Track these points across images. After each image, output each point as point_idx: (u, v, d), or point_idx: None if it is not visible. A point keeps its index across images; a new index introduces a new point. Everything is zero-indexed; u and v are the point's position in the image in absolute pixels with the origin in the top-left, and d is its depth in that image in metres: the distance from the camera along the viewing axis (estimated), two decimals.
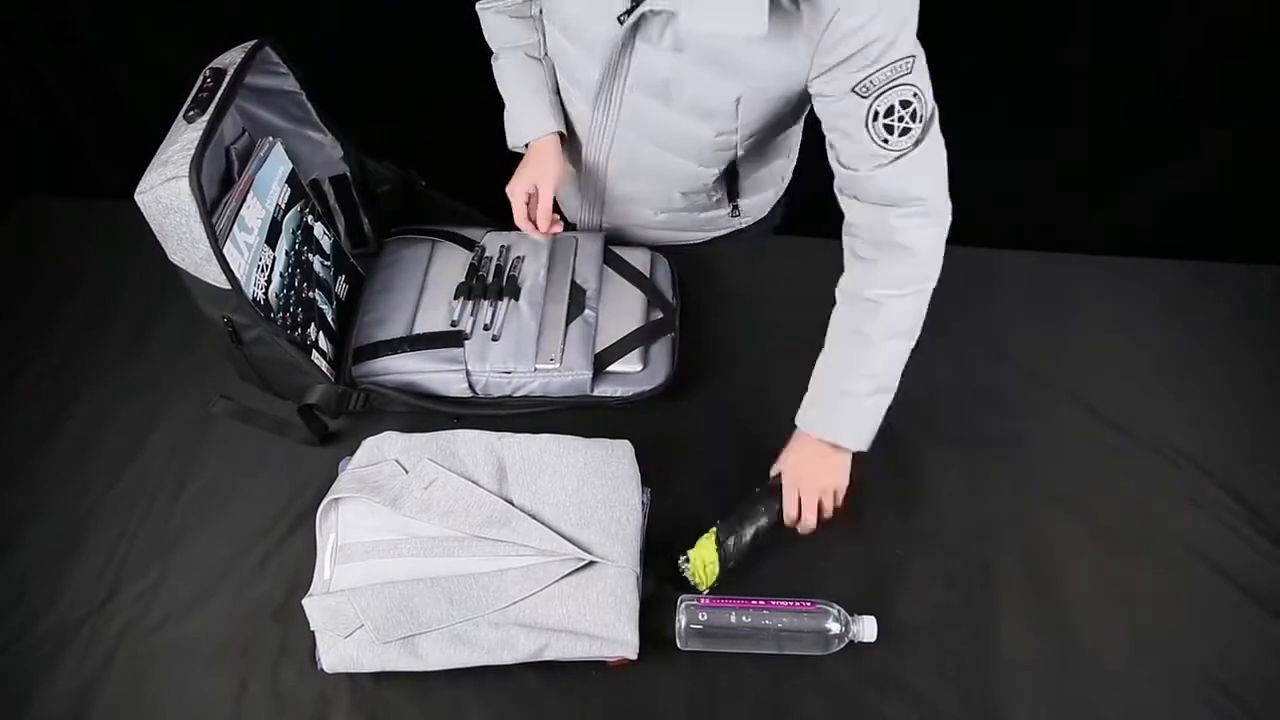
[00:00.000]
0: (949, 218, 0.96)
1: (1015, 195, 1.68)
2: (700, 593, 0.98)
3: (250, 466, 1.11)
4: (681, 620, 0.93)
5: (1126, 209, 1.68)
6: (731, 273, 1.31)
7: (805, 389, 1.18)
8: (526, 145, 1.16)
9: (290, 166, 1.13)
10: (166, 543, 1.05)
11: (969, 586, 1.01)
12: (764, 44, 0.88)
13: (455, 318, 1.17)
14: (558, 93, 1.16)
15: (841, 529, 1.04)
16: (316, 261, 1.17)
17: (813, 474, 0.99)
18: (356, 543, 0.97)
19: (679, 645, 0.94)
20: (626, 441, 1.06)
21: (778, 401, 1.17)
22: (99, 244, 1.36)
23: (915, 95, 0.89)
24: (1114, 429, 1.15)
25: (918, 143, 0.90)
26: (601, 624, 0.93)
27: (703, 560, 0.97)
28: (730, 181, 1.20)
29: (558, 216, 1.13)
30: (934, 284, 0.97)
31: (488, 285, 1.19)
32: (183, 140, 0.93)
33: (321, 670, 0.92)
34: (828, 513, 0.99)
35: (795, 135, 1.23)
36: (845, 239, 1.00)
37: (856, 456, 1.02)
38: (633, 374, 1.16)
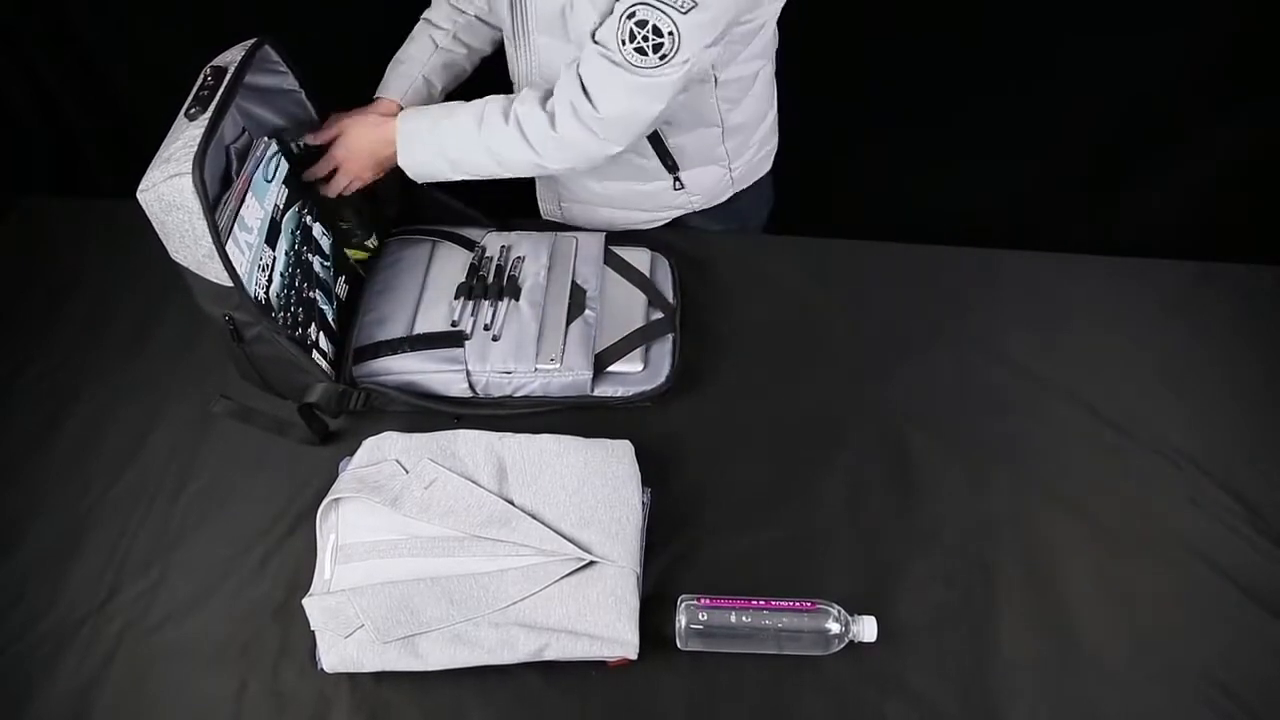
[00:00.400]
0: (609, 148, 1.06)
1: (1015, 195, 1.68)
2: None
3: (250, 466, 1.11)
4: (681, 620, 0.93)
5: (1126, 209, 1.68)
6: (731, 273, 1.31)
7: (805, 389, 1.19)
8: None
9: (287, 167, 1.13)
10: (166, 543, 1.05)
11: (969, 586, 1.01)
12: None
13: (455, 318, 1.17)
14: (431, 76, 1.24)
15: (841, 529, 1.04)
16: (316, 262, 1.17)
17: (356, 152, 1.14)
18: (356, 543, 0.97)
19: (679, 645, 0.94)
20: (626, 441, 1.06)
21: (778, 402, 1.17)
22: (99, 244, 1.36)
23: (670, 34, 0.93)
24: (1114, 429, 1.15)
25: (641, 69, 0.95)
26: (601, 624, 0.92)
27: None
28: (656, 143, 1.21)
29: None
30: (545, 165, 1.09)
31: (488, 285, 1.19)
32: (185, 137, 0.93)
33: (321, 670, 0.92)
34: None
35: (713, 107, 1.20)
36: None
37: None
38: (633, 374, 1.16)
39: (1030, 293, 1.30)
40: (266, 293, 1.05)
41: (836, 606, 0.94)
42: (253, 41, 1.04)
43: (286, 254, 1.10)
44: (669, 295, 1.24)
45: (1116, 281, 1.32)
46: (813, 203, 1.50)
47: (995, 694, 0.93)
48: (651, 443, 1.11)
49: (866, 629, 0.93)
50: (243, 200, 1.02)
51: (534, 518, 0.98)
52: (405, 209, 1.32)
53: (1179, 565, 1.03)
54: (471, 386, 1.13)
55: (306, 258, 1.15)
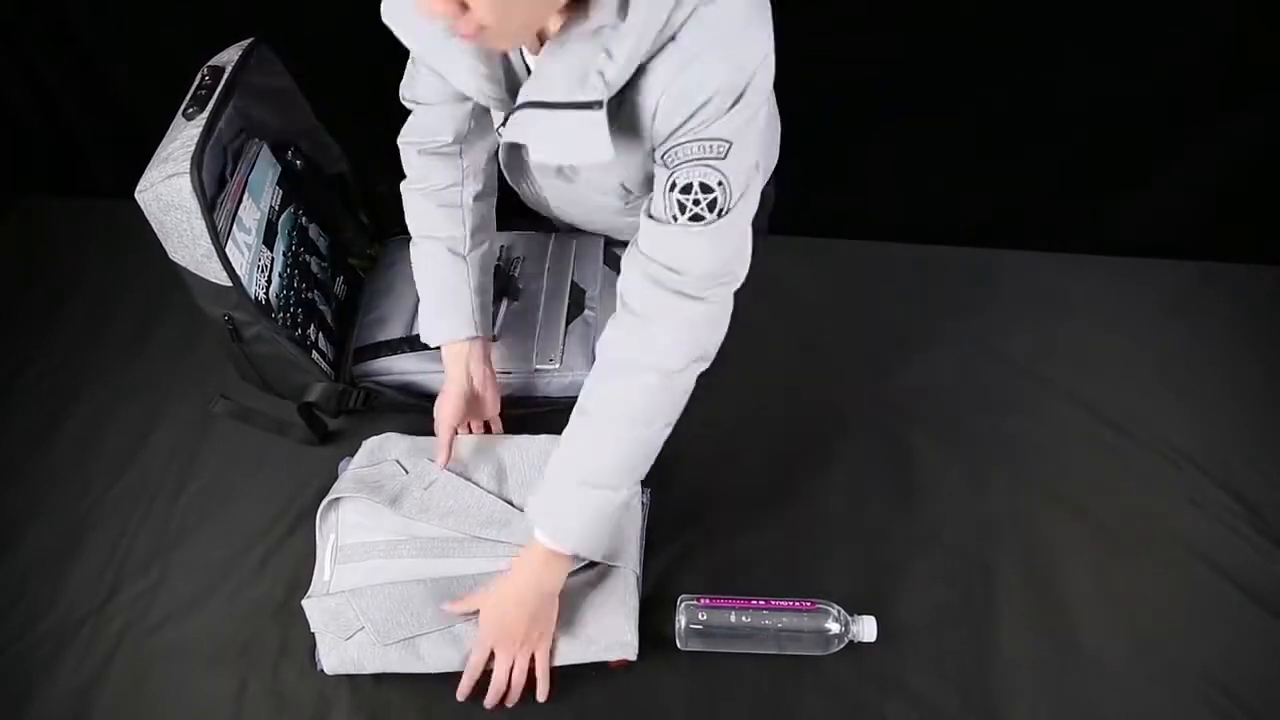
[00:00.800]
0: (713, 306, 0.88)
1: (1015, 195, 1.68)
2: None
3: (250, 466, 1.11)
4: (681, 620, 0.93)
5: (1126, 209, 1.68)
6: None
7: (805, 389, 1.18)
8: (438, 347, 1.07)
9: (280, 168, 1.13)
10: (166, 543, 1.05)
11: (969, 586, 1.01)
12: (617, 150, 0.81)
13: None
14: (481, 293, 1.07)
15: (841, 529, 1.04)
16: (314, 262, 1.17)
17: (504, 609, 0.89)
18: (356, 543, 0.97)
19: (679, 645, 0.94)
20: None
21: (778, 402, 1.17)
22: (99, 244, 1.36)
23: (720, 184, 0.79)
24: (1114, 429, 1.15)
25: (717, 221, 0.81)
26: (602, 625, 0.92)
27: None
28: None
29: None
30: (670, 376, 0.87)
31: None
32: (183, 137, 0.93)
33: (322, 671, 0.92)
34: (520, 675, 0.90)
35: None
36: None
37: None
38: None
39: (1030, 293, 1.30)
40: (266, 293, 1.05)
41: (836, 606, 0.94)
42: (249, 41, 1.04)
43: (284, 255, 1.10)
44: None
45: (1116, 281, 1.32)
46: (813, 203, 1.49)
47: (995, 694, 0.93)
48: None
49: (866, 629, 0.93)
50: (239, 201, 1.02)
51: None
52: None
53: (1179, 565, 1.03)
54: None
55: (304, 258, 1.15)
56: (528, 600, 0.89)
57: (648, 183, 0.91)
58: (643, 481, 1.03)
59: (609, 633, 0.92)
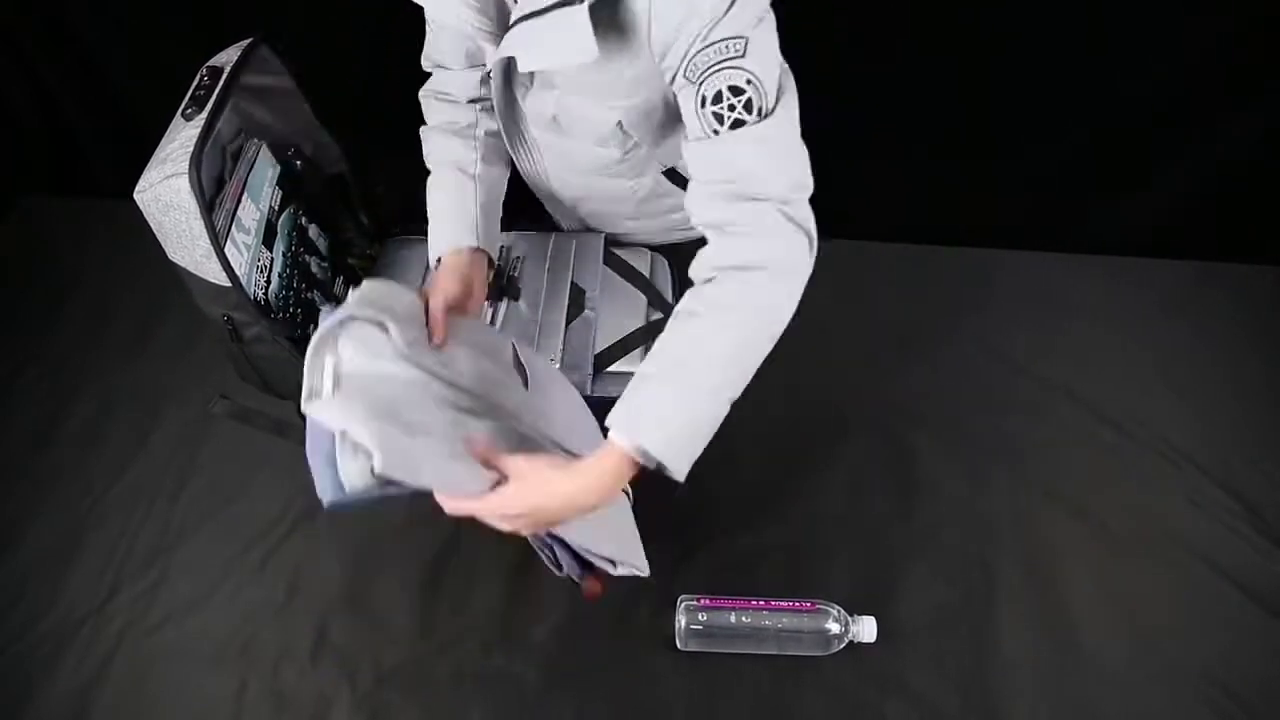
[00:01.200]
0: (801, 196, 0.84)
1: (1015, 195, 1.68)
2: None
3: (250, 466, 1.11)
4: (681, 620, 0.93)
5: (1126, 209, 1.67)
6: None
7: (805, 389, 1.18)
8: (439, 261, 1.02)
9: (279, 169, 1.13)
10: (166, 543, 1.05)
11: (969, 586, 1.01)
12: (611, 63, 0.83)
13: None
14: (487, 214, 1.05)
15: (841, 529, 1.04)
16: (313, 262, 1.17)
17: (540, 490, 0.79)
18: (360, 373, 0.79)
19: (679, 645, 0.94)
20: None
21: (778, 402, 1.17)
22: (99, 244, 1.36)
23: (750, 83, 0.78)
24: (1114, 429, 1.15)
25: (760, 124, 0.80)
26: (620, 544, 0.86)
27: None
28: (679, 183, 1.18)
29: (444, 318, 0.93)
30: (770, 281, 0.83)
31: (488, 285, 1.19)
32: (181, 138, 0.93)
33: (325, 503, 0.73)
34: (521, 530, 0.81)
35: None
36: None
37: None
38: (632, 374, 1.15)
39: (1030, 293, 1.30)
40: (266, 293, 1.05)
41: (836, 606, 0.94)
42: (248, 41, 1.04)
43: (284, 255, 1.10)
44: (669, 295, 1.24)
45: (1116, 281, 1.32)
46: (813, 202, 1.49)
47: (995, 694, 0.93)
48: None
49: (866, 629, 0.93)
50: (239, 201, 1.02)
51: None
52: (405, 210, 1.32)
53: (1179, 565, 1.03)
54: None
55: (304, 259, 1.15)
56: (578, 504, 0.80)
57: (647, 121, 0.91)
58: (642, 481, 1.03)
59: (621, 553, 0.85)
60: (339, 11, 1.49)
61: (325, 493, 0.73)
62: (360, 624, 0.98)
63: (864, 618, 0.94)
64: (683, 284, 1.26)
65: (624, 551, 0.86)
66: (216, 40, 1.06)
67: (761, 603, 0.94)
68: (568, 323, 1.17)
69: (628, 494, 0.88)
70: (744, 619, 0.93)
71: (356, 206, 1.28)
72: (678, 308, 0.84)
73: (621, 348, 1.16)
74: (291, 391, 1.10)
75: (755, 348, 0.84)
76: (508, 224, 1.29)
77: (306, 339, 1.08)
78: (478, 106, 1.06)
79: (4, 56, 1.55)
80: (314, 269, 1.17)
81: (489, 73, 0.94)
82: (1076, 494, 1.09)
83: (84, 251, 1.36)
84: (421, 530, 1.05)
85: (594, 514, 0.81)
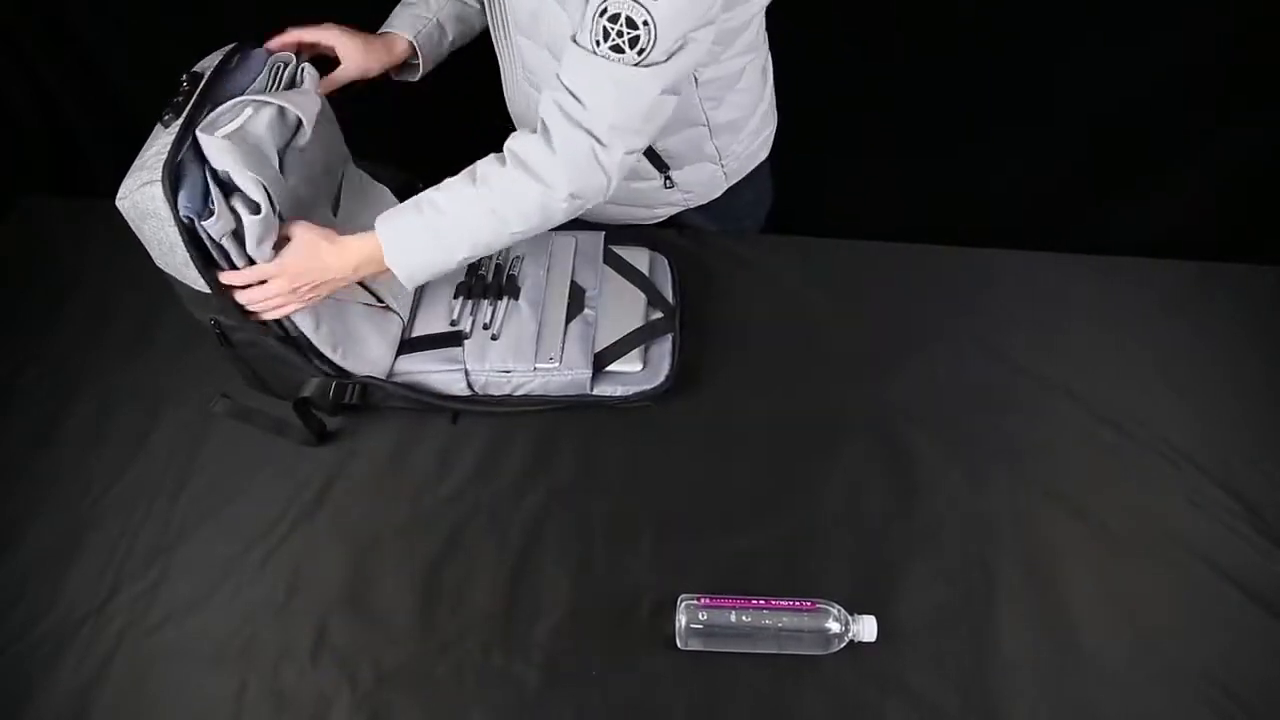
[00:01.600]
0: (613, 153, 0.94)
1: (1015, 195, 1.68)
2: None
3: (250, 466, 1.11)
4: (681, 620, 0.93)
5: (1126, 209, 1.68)
6: (731, 273, 1.31)
7: (805, 389, 1.19)
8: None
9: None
10: (166, 543, 1.05)
11: (969, 586, 1.01)
12: None
13: (455, 317, 1.17)
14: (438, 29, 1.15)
15: (841, 529, 1.04)
16: None
17: (301, 265, 0.99)
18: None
19: (679, 645, 0.94)
20: None
21: (777, 401, 1.17)
22: (99, 244, 1.36)
23: (646, 24, 0.86)
24: (1114, 429, 1.15)
25: (621, 64, 0.88)
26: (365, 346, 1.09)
27: None
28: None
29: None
30: (552, 197, 0.96)
31: (487, 284, 1.19)
32: (158, 145, 0.93)
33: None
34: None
35: (696, 107, 1.17)
36: None
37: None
38: (632, 374, 1.16)
39: (1029, 292, 1.30)
40: None
41: (836, 606, 0.94)
42: (230, 46, 1.04)
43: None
44: (669, 295, 1.24)
45: (1116, 281, 1.32)
46: (812, 202, 1.50)
47: (995, 694, 0.93)
48: (651, 443, 1.11)
49: (866, 629, 0.93)
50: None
51: None
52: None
53: (1179, 565, 1.03)
54: (470, 385, 1.13)
55: None
56: (337, 268, 1.00)
57: None
58: (641, 484, 1.03)
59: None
60: (339, 12, 1.49)
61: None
62: (360, 624, 0.98)
63: (864, 617, 0.94)
64: (683, 284, 1.26)
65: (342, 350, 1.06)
66: (216, 40, 1.06)
67: (761, 602, 0.94)
68: (567, 322, 1.17)
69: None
70: (744, 618, 0.93)
71: None
72: (479, 165, 0.99)
73: (621, 347, 1.17)
74: (288, 391, 1.11)
75: (499, 237, 1.00)
76: None
77: (297, 341, 1.08)
78: None
79: (4, 56, 1.55)
80: None
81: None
82: (1076, 494, 1.08)
83: (84, 251, 1.36)
84: (421, 530, 1.05)
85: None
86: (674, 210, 1.34)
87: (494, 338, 1.14)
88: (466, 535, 1.04)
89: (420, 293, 1.20)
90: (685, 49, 0.91)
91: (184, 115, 0.94)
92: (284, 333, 1.05)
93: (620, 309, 1.20)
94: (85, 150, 1.73)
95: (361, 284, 1.10)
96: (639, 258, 1.27)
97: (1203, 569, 1.02)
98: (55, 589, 1.01)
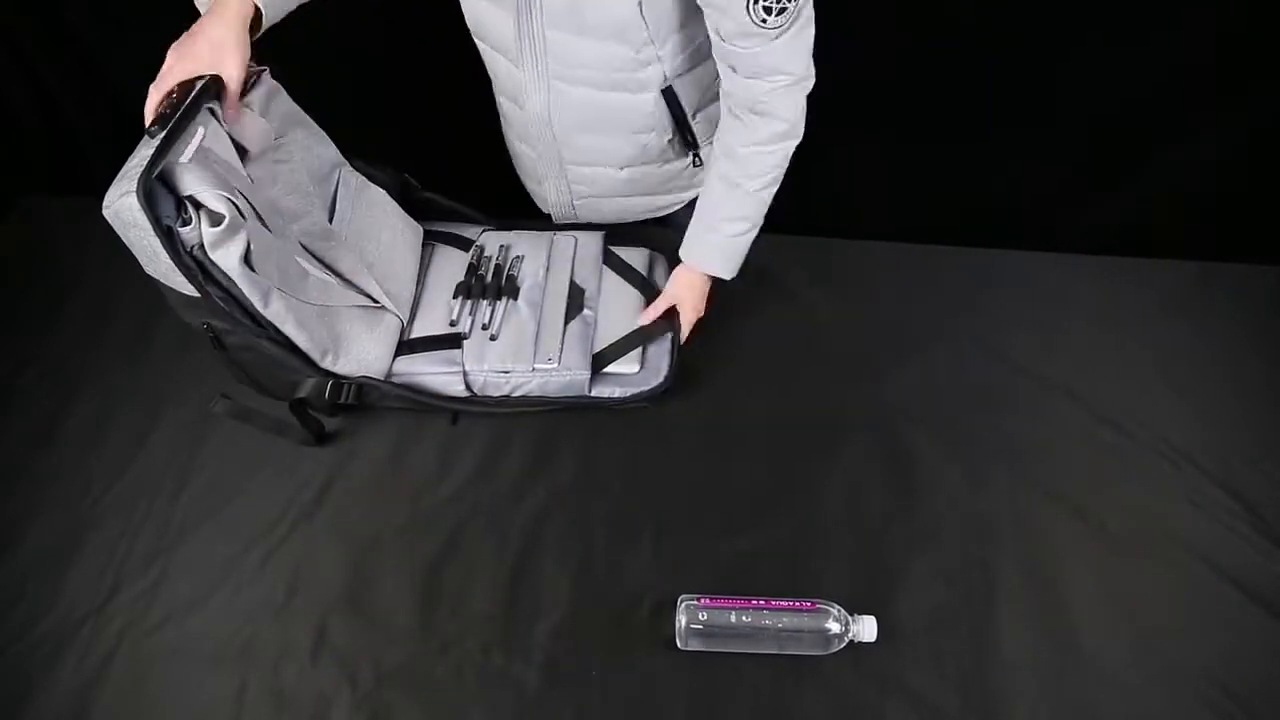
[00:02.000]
0: (812, 81, 1.05)
1: (1015, 195, 1.68)
2: None
3: (250, 466, 1.11)
4: (681, 620, 0.93)
5: (1126, 209, 1.68)
6: None
7: (805, 389, 1.19)
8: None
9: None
10: (166, 543, 1.05)
11: (969, 586, 1.01)
12: None
13: (454, 317, 1.17)
14: None
15: (841, 529, 1.04)
16: None
17: (691, 302, 1.20)
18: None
19: (679, 645, 0.94)
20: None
21: (777, 402, 1.17)
22: (99, 244, 1.35)
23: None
24: (1114, 429, 1.15)
25: (794, 20, 0.96)
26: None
27: None
28: (679, 118, 1.19)
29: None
30: (797, 140, 1.10)
31: (486, 284, 1.19)
32: (140, 156, 0.93)
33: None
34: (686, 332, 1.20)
35: None
36: (722, 100, 1.09)
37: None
38: (631, 375, 1.16)
39: (1029, 292, 1.30)
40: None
41: (836, 606, 0.94)
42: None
43: None
44: None
45: (1116, 281, 1.31)
46: (813, 202, 1.49)
47: (995, 694, 0.93)
48: (650, 443, 1.11)
49: (866, 629, 0.93)
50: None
51: None
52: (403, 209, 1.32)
53: (1179, 565, 1.03)
54: (469, 386, 1.13)
55: None
56: (700, 290, 1.21)
57: (667, 14, 1.02)
58: (640, 484, 1.03)
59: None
60: (339, 13, 1.49)
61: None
62: (360, 624, 0.98)
63: (864, 618, 0.94)
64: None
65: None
66: None
67: (762, 602, 0.94)
68: (566, 322, 1.17)
69: None
70: (744, 618, 0.93)
71: None
72: (724, 168, 1.13)
73: (620, 348, 1.17)
74: (284, 392, 1.11)
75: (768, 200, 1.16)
76: (508, 223, 1.29)
77: (292, 342, 1.08)
78: None
79: (4, 56, 1.55)
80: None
81: None
82: (1076, 494, 1.08)
83: (84, 251, 1.36)
84: (421, 531, 1.05)
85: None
86: (692, 195, 1.32)
87: (493, 338, 1.14)
88: (466, 536, 1.04)
89: (419, 293, 1.20)
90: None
91: (169, 126, 0.94)
92: (281, 336, 1.05)
93: (619, 309, 1.20)
94: (85, 150, 1.73)
95: (354, 285, 1.10)
96: (638, 258, 1.27)
97: (1203, 569, 1.02)
98: (55, 589, 1.01)
